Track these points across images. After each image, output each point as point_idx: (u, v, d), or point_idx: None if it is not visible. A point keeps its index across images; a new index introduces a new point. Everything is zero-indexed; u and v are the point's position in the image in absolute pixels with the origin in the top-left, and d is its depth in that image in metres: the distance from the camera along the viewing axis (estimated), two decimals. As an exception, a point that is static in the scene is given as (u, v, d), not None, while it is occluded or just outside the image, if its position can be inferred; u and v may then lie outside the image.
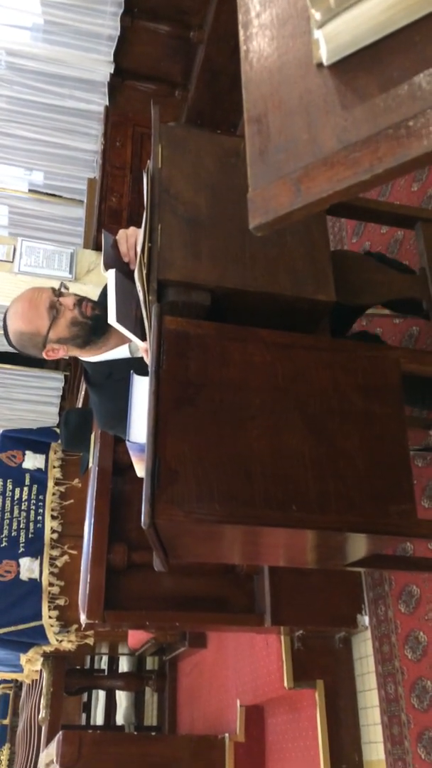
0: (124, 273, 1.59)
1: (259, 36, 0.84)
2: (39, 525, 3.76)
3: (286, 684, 2.45)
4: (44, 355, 1.81)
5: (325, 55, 0.75)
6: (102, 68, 4.51)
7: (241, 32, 0.87)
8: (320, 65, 0.77)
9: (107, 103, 4.65)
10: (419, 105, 0.64)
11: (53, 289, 1.77)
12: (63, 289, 1.79)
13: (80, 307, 1.76)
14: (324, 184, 0.71)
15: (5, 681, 7.75)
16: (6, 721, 8.42)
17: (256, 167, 0.79)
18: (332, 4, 0.69)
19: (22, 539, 3.70)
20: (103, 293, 1.99)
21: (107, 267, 1.59)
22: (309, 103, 0.75)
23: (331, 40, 0.73)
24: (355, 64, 0.73)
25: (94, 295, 1.99)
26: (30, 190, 5.46)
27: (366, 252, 2.00)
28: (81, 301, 1.78)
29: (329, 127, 0.72)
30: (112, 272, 1.56)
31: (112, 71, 4.52)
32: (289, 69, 0.79)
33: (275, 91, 0.80)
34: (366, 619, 2.44)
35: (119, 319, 1.47)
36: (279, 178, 0.75)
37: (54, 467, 3.97)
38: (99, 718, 6.07)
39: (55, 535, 3.73)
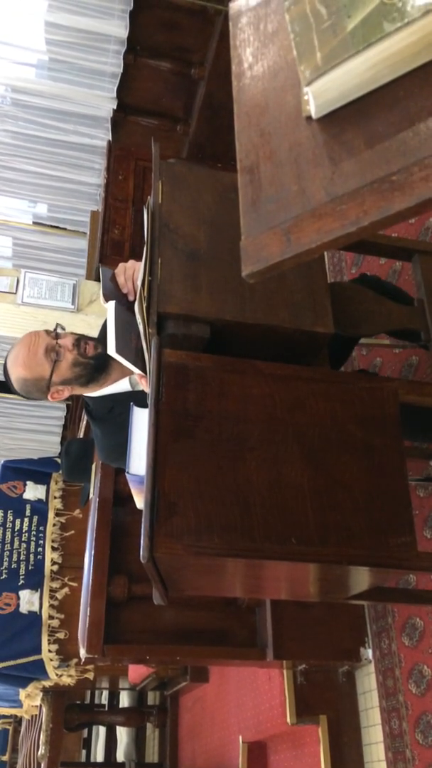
0: (124, 305, 1.61)
1: (251, 87, 0.87)
2: (39, 557, 3.72)
3: (288, 720, 2.40)
4: (49, 398, 1.81)
5: (313, 110, 0.77)
6: (105, 104, 4.61)
7: (234, 83, 0.89)
8: (309, 118, 0.79)
9: (110, 138, 4.73)
10: (403, 160, 0.66)
11: (49, 332, 1.79)
12: (59, 330, 1.80)
13: (79, 348, 1.77)
14: (313, 234, 0.73)
15: (4, 716, 7.61)
16: (5, 758, 8.25)
17: (249, 216, 0.81)
18: (319, 62, 0.72)
19: (22, 571, 3.67)
20: (104, 327, 2.01)
21: (107, 299, 1.61)
22: (298, 155, 0.78)
23: (319, 96, 0.76)
24: (342, 118, 0.75)
25: (97, 326, 2.01)
26: (34, 222, 5.53)
27: (361, 275, 2.02)
28: (79, 340, 1.79)
29: (318, 179, 0.74)
30: (111, 304, 1.58)
31: (114, 107, 4.61)
32: (280, 121, 0.81)
33: (266, 143, 0.82)
34: (369, 653, 2.41)
35: (119, 350, 1.48)
36: (270, 228, 0.77)
37: (55, 498, 3.95)
38: (99, 755, 5.95)
39: (55, 567, 3.70)
